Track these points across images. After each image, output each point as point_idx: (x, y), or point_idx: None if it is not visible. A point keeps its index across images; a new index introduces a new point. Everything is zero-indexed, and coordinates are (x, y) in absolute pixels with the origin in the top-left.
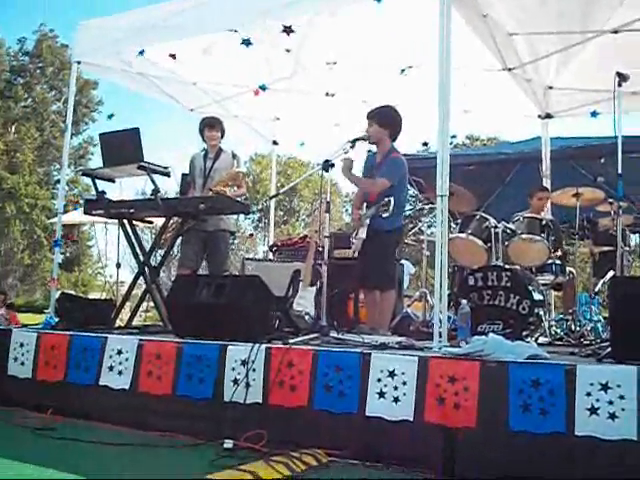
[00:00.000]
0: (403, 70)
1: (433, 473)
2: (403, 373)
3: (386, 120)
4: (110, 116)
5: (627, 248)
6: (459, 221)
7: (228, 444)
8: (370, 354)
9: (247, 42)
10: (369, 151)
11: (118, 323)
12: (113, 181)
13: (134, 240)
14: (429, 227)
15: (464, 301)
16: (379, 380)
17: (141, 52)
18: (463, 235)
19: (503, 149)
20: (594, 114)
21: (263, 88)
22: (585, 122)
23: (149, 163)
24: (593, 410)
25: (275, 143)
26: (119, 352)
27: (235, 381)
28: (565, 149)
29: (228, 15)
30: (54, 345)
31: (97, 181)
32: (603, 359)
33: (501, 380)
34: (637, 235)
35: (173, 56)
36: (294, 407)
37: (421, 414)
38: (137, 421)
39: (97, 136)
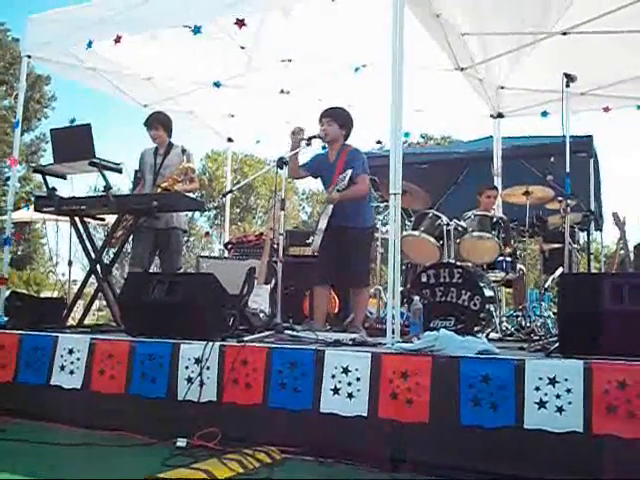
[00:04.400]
0: (357, 69)
1: (386, 468)
2: (357, 369)
3: (345, 121)
4: (72, 121)
5: (576, 245)
6: (413, 219)
7: (181, 443)
8: (324, 351)
9: (197, 30)
10: (323, 147)
11: (70, 322)
12: (64, 178)
13: (85, 238)
14: (383, 225)
15: (416, 297)
16: (333, 376)
17: (89, 44)
18: (416, 233)
19: (456, 148)
20: (544, 114)
21: (217, 85)
22: (537, 121)
23: (101, 159)
24: (542, 404)
25: (230, 140)
26: (70, 351)
27: (189, 379)
28: (516, 148)
29: (181, 11)
30: (4, 345)
31: (48, 178)
32: (551, 354)
33: (452, 375)
34: (585, 232)
35: (118, 40)
36: (249, 405)
37: (375, 410)
38: (89, 421)
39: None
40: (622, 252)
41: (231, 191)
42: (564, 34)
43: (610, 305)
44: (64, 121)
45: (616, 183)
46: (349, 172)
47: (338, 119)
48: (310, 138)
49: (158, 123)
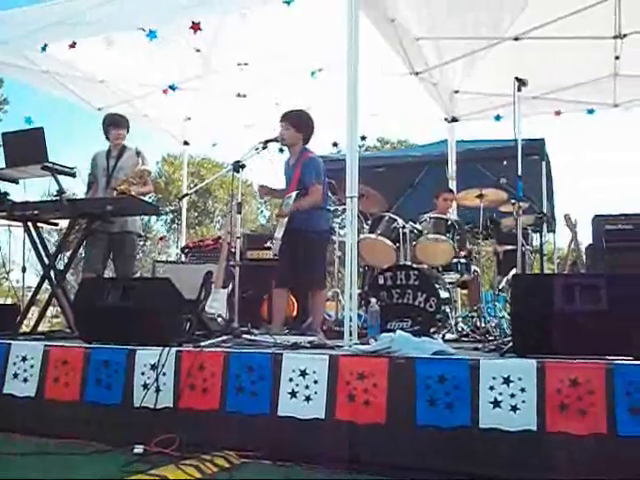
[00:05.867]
0: (313, 72)
1: (343, 470)
2: (314, 372)
3: (302, 125)
4: (28, 119)
5: (529, 247)
6: (369, 222)
7: (138, 449)
8: (282, 354)
9: (153, 35)
10: (280, 150)
11: (24, 329)
12: (17, 182)
13: (39, 243)
14: (341, 228)
15: (374, 300)
16: (291, 380)
17: (43, 48)
18: (373, 235)
19: (411, 152)
20: (498, 118)
21: (173, 88)
22: (492, 125)
23: (54, 163)
24: (496, 403)
25: (186, 143)
26: (24, 359)
27: (145, 386)
28: (470, 152)
29: (137, 14)
30: None
31: (0, 182)
32: (505, 354)
33: (409, 376)
34: (538, 234)
35: (73, 45)
36: (206, 410)
37: (332, 412)
38: (44, 429)
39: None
40: (574, 254)
41: (187, 194)
42: (516, 39)
43: (561, 305)
44: (17, 124)
45: (568, 185)
46: (293, 195)
47: (294, 122)
48: (267, 141)
49: (124, 123)
